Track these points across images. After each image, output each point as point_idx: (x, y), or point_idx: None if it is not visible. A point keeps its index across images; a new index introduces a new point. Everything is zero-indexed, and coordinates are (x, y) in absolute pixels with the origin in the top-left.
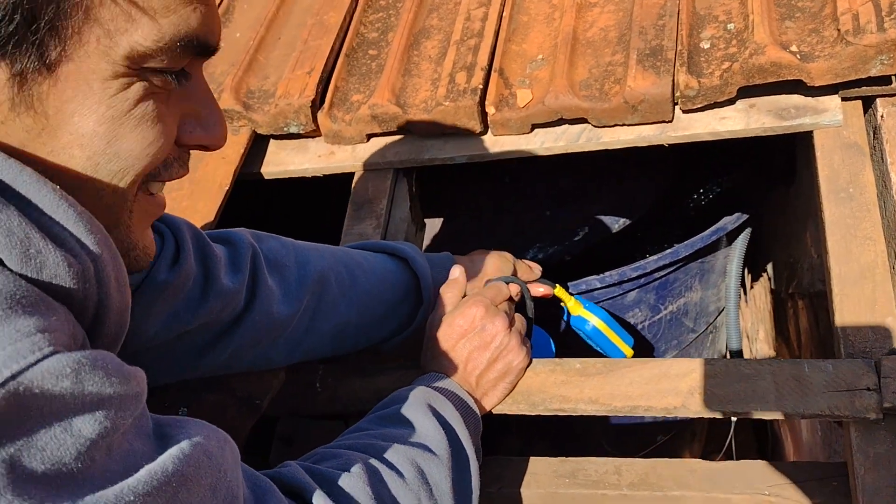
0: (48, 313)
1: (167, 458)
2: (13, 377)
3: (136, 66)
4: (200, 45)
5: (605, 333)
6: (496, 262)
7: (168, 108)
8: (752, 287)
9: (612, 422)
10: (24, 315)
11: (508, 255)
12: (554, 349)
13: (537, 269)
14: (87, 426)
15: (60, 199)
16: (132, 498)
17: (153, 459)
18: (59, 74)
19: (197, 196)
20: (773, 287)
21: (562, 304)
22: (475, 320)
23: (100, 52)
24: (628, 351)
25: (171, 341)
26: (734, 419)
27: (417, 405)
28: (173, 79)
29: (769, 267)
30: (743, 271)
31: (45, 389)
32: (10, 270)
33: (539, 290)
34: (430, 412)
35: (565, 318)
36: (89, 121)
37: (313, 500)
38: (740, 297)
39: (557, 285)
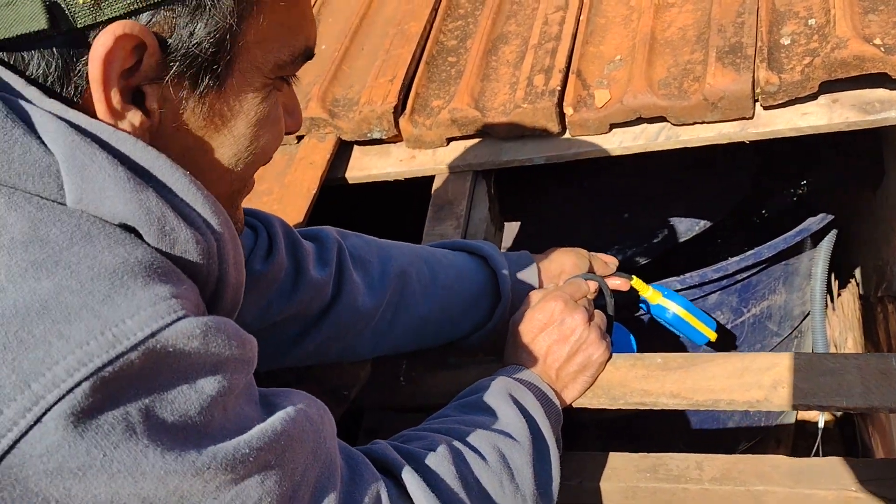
0: (179, 282)
1: (276, 419)
2: (152, 335)
3: (275, 76)
4: (311, 52)
5: (686, 320)
6: (573, 259)
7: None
8: (839, 294)
9: (693, 426)
10: (160, 282)
11: (584, 252)
12: (635, 347)
13: (613, 264)
14: (209, 384)
15: (191, 183)
16: (247, 451)
17: (262, 422)
18: (226, 88)
19: (287, 200)
20: (861, 292)
21: (640, 295)
22: (554, 314)
23: (255, 69)
24: (712, 335)
25: (263, 331)
26: (821, 425)
27: (499, 394)
28: (289, 81)
29: (857, 272)
30: (830, 277)
31: (177, 348)
32: (148, 244)
33: (615, 282)
34: (511, 401)
35: (644, 308)
36: (242, 124)
37: (402, 475)
38: (827, 305)
39: (633, 277)
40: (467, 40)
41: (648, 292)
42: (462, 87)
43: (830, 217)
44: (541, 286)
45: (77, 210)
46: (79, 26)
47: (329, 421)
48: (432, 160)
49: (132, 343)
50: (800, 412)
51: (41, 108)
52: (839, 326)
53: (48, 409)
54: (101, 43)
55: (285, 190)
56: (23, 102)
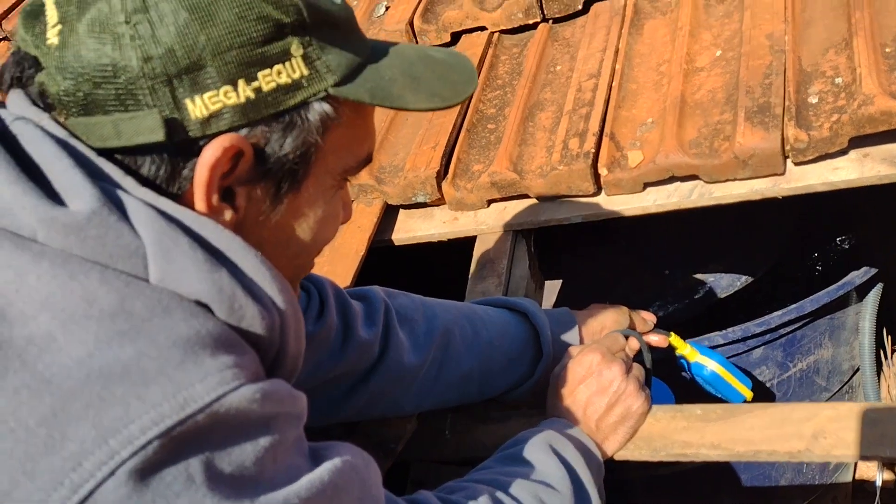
0: (243, 353)
1: (323, 470)
2: (217, 399)
3: (341, 178)
4: (371, 158)
5: (723, 377)
6: (614, 316)
7: None
8: (893, 350)
9: (744, 484)
10: (226, 353)
11: (624, 309)
12: (674, 401)
13: (651, 321)
14: (262, 438)
15: (261, 263)
16: (296, 500)
17: (310, 473)
18: (301, 189)
19: (336, 261)
20: None
21: (677, 352)
22: (593, 365)
23: (327, 173)
24: (748, 393)
25: (314, 389)
26: (879, 483)
27: (540, 445)
28: (349, 180)
29: None
30: (881, 331)
31: (237, 410)
32: (218, 318)
33: (654, 338)
34: (552, 452)
35: (685, 366)
36: (311, 219)
37: None
38: (882, 361)
39: (672, 333)
40: (505, 108)
41: (686, 349)
42: (501, 152)
43: (874, 270)
44: (581, 343)
45: (159, 286)
46: (190, 137)
47: (375, 471)
48: (474, 221)
49: (200, 406)
50: (857, 470)
51: (135, 196)
52: (895, 383)
53: (122, 464)
54: (210, 153)
55: (335, 252)
56: (119, 192)
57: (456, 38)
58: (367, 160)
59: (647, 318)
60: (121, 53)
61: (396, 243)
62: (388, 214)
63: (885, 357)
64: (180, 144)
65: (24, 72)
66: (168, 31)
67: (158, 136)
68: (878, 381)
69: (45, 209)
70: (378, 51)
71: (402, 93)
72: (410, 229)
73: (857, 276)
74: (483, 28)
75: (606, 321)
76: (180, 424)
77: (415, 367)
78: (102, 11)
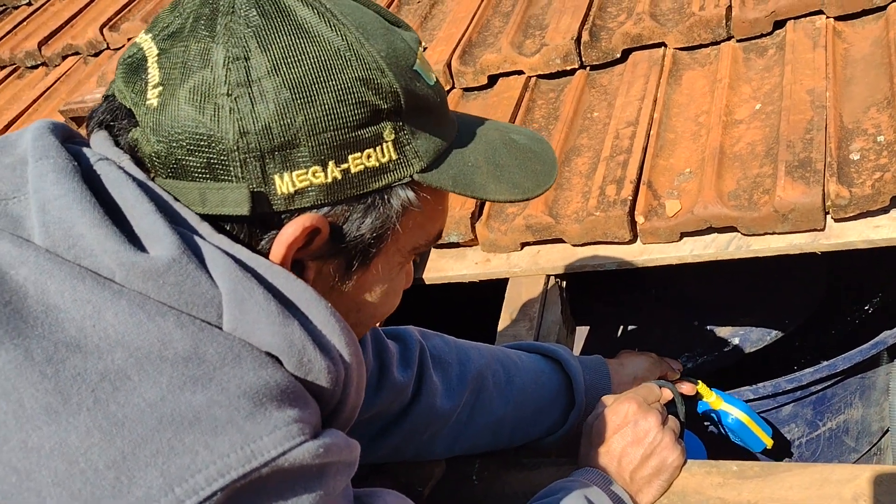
0: (306, 406)
1: None
2: (283, 454)
3: (412, 254)
4: (440, 235)
5: (747, 425)
6: (646, 364)
7: None
8: None
9: None
10: (292, 406)
11: (656, 356)
12: (706, 456)
13: (678, 368)
14: (318, 487)
15: (331, 316)
16: None
17: None
18: (371, 266)
19: None
20: None
21: (704, 399)
22: (628, 415)
23: (398, 250)
24: (769, 441)
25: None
26: None
27: (574, 496)
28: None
29: None
30: None
31: (300, 465)
32: (286, 370)
33: (683, 386)
34: (587, 503)
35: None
36: (377, 292)
37: None
38: None
39: (699, 381)
40: None
41: (712, 398)
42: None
43: None
44: (614, 391)
45: (231, 335)
46: (273, 210)
47: None
48: (506, 264)
49: (266, 460)
50: None
51: (211, 242)
52: None
53: None
54: (290, 232)
55: None
56: (196, 238)
57: (493, 80)
58: (438, 238)
59: (674, 365)
60: (218, 125)
61: (427, 282)
62: (421, 254)
63: None
64: (262, 216)
65: (116, 121)
66: (267, 108)
67: (243, 209)
68: None
69: (126, 254)
70: (464, 130)
71: (485, 182)
72: (442, 269)
73: (890, 335)
74: (520, 72)
75: (639, 369)
76: (244, 477)
77: (447, 411)
78: (206, 80)
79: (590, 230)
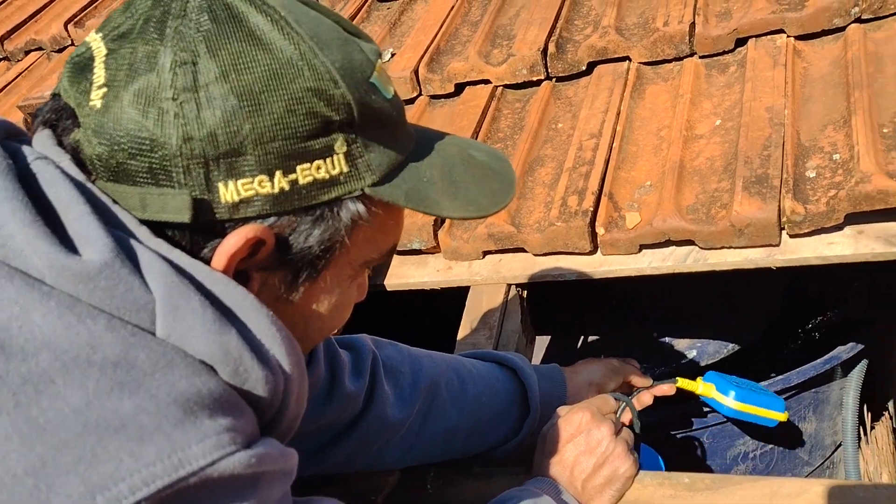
0: (241, 416)
1: None
2: (212, 463)
3: (363, 268)
4: (395, 249)
5: (744, 411)
6: (602, 370)
7: None
8: (872, 427)
9: None
10: (225, 414)
11: (614, 361)
12: (664, 468)
13: (636, 366)
14: (251, 497)
15: (271, 324)
16: None
17: None
18: (319, 279)
19: None
20: (895, 426)
21: (695, 395)
22: (581, 425)
23: (348, 263)
24: (779, 416)
25: (295, 438)
26: None
27: None
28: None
29: (890, 405)
30: (862, 408)
31: (230, 475)
32: (220, 377)
33: (662, 388)
34: None
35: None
36: (326, 305)
37: None
38: (861, 437)
39: (678, 379)
40: None
41: (699, 387)
42: None
43: (860, 347)
44: (569, 398)
45: (165, 341)
46: (216, 219)
47: None
48: (468, 272)
49: (193, 469)
50: None
51: (148, 246)
52: (873, 461)
53: None
54: (233, 242)
55: None
56: (133, 242)
57: (460, 89)
58: (391, 252)
59: (635, 364)
60: (161, 129)
61: (388, 289)
62: None
63: (865, 434)
64: (204, 224)
65: (60, 120)
66: (214, 115)
67: (184, 217)
68: (859, 458)
69: (57, 256)
70: (422, 144)
71: (440, 198)
72: (403, 275)
73: (844, 351)
74: (487, 81)
75: (594, 376)
76: (170, 486)
77: (398, 421)
78: (151, 84)
79: (551, 240)
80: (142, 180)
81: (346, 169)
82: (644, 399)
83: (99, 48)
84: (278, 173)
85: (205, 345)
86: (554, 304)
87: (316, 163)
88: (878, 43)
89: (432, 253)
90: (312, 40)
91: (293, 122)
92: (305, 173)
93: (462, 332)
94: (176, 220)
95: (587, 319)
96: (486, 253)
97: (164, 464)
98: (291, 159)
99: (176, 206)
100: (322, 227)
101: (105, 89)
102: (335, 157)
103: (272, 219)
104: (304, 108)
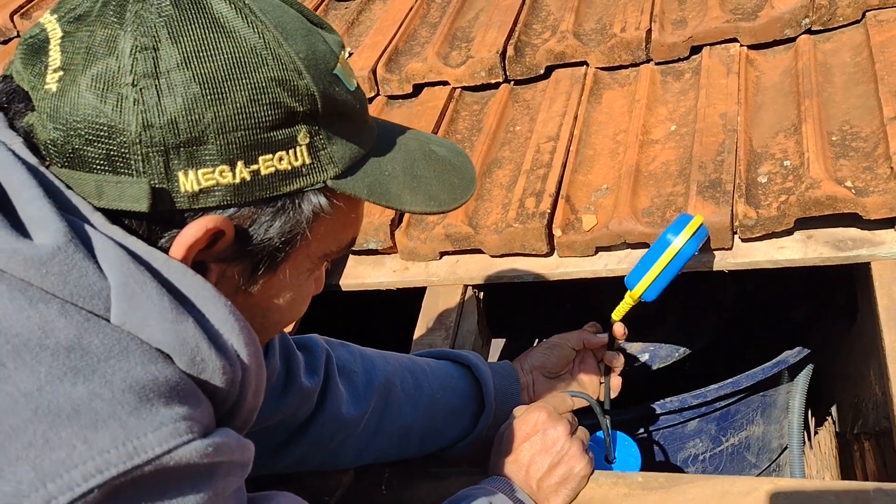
0: (197, 405)
1: None
2: (168, 452)
3: (322, 261)
4: (354, 242)
5: (662, 269)
6: (539, 352)
7: None
8: (816, 432)
9: None
10: (181, 403)
11: (554, 338)
12: (639, 455)
13: (593, 330)
14: (206, 487)
15: (230, 314)
16: None
17: None
18: (278, 270)
19: None
20: (837, 430)
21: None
22: (537, 424)
23: (307, 256)
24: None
25: (250, 434)
26: None
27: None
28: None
29: (833, 410)
30: (807, 414)
31: (186, 464)
32: (177, 366)
33: (616, 330)
34: None
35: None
36: (284, 297)
37: None
38: (805, 443)
39: (612, 318)
40: None
41: (629, 300)
42: None
43: (807, 351)
44: (522, 380)
45: (120, 328)
46: (175, 209)
47: None
48: (425, 272)
49: (149, 457)
50: None
51: (103, 233)
52: (816, 465)
53: None
54: (192, 232)
55: None
56: (87, 227)
57: (418, 89)
58: (350, 245)
59: (590, 330)
60: (120, 116)
61: (344, 289)
62: (337, 259)
63: (809, 438)
64: (163, 214)
65: (12, 104)
66: (174, 102)
67: (142, 206)
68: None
69: (8, 240)
70: (383, 139)
71: (401, 192)
72: (359, 276)
73: (791, 355)
74: (446, 83)
75: (534, 361)
76: (125, 475)
77: (353, 419)
78: (110, 68)
79: (508, 241)
80: (98, 167)
81: (308, 161)
82: (614, 383)
83: (54, 30)
84: (240, 163)
85: (161, 332)
86: (511, 307)
87: (278, 154)
88: (828, 54)
89: (389, 253)
90: (277, 29)
91: (256, 111)
92: (268, 164)
93: (418, 333)
94: (133, 209)
95: (543, 322)
96: (443, 254)
97: (118, 451)
98: (254, 150)
99: (134, 195)
100: (283, 219)
101: (61, 73)
102: (298, 148)
103: (232, 210)
104: (268, 97)
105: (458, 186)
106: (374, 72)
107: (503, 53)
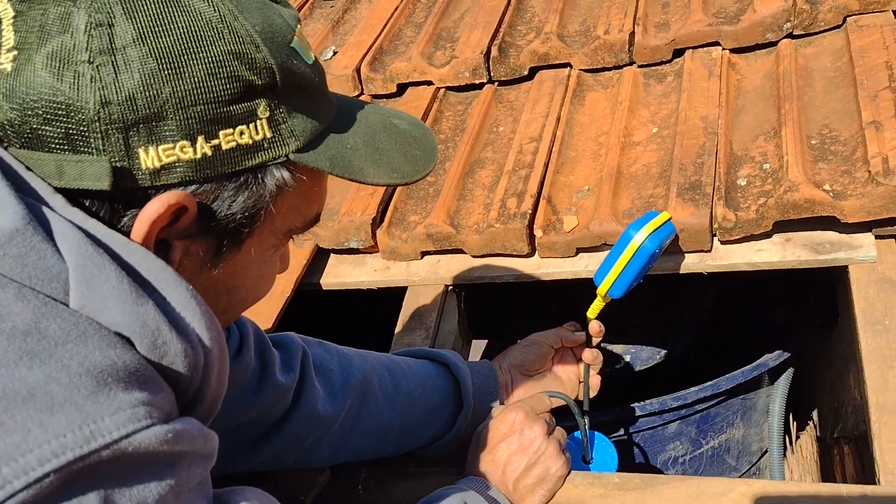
0: (158, 391)
1: None
2: (126, 436)
3: (286, 237)
4: (319, 218)
5: (626, 264)
6: (517, 350)
7: None
8: (797, 437)
9: None
10: (141, 389)
11: (532, 336)
12: (616, 457)
13: (571, 329)
14: (168, 476)
15: (191, 298)
16: None
17: None
18: (243, 247)
19: (260, 301)
20: (818, 434)
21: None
22: (515, 424)
23: (272, 232)
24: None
25: (225, 432)
26: None
27: (452, 501)
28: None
29: (814, 414)
30: (788, 417)
31: (145, 450)
32: (138, 352)
33: (593, 327)
34: None
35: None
36: (250, 275)
37: None
38: (786, 447)
39: (588, 315)
40: (446, 163)
41: (601, 299)
42: (439, 205)
43: (787, 355)
44: (501, 381)
45: (78, 312)
46: (137, 186)
47: None
48: (406, 272)
49: (106, 441)
50: None
51: (62, 215)
52: (797, 469)
53: (12, 495)
54: (154, 209)
55: None
56: (45, 210)
57: (402, 89)
58: (315, 220)
59: (569, 328)
60: (78, 93)
61: (325, 288)
62: (319, 258)
63: (790, 442)
64: (124, 192)
65: None
66: (132, 78)
67: (104, 184)
68: (784, 465)
69: None
70: (343, 113)
71: (363, 164)
72: (340, 275)
73: (771, 358)
74: (430, 83)
75: (513, 360)
76: (82, 459)
77: (329, 417)
78: (65, 46)
79: (489, 242)
80: (57, 147)
81: (269, 134)
82: (593, 382)
83: (5, 9)
84: (200, 138)
85: (120, 315)
86: (492, 308)
87: (239, 128)
88: (808, 58)
89: (370, 252)
90: (232, 2)
91: (215, 85)
92: (228, 138)
93: (398, 333)
94: (95, 188)
95: (525, 324)
96: (424, 253)
97: (74, 435)
98: (214, 124)
99: (95, 174)
100: (246, 194)
101: (15, 52)
102: (258, 122)
103: (194, 185)
104: (226, 71)
105: (420, 158)
106: (358, 71)
107: (487, 54)
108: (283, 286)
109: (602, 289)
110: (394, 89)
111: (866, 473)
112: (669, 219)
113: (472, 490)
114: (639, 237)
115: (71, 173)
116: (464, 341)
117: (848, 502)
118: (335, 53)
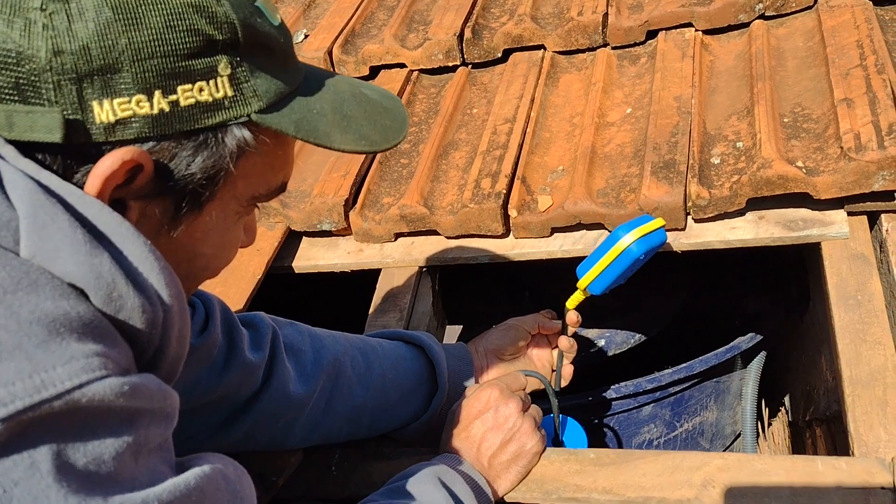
0: (114, 345)
1: (189, 475)
2: (79, 387)
3: (249, 204)
4: (285, 187)
5: (613, 261)
6: (494, 335)
7: None
8: (770, 423)
9: None
10: (95, 341)
11: (510, 321)
12: (587, 441)
13: (549, 316)
14: (125, 433)
15: (149, 252)
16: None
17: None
18: (203, 212)
19: (231, 283)
20: (790, 419)
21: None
22: (489, 401)
23: (234, 198)
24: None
25: (192, 411)
26: None
27: (428, 479)
28: (257, 206)
29: (786, 400)
30: (760, 403)
31: (100, 402)
32: (92, 304)
33: (570, 317)
34: (441, 485)
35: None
36: (212, 242)
37: None
38: (759, 433)
39: (566, 306)
40: (420, 144)
41: (580, 294)
42: (413, 186)
43: (759, 337)
44: (477, 365)
45: (29, 261)
46: (91, 141)
47: (249, 485)
48: (379, 254)
49: (58, 391)
50: None
51: (14, 165)
52: (770, 454)
53: None
54: (108, 164)
55: (230, 273)
56: None
57: (375, 72)
58: (281, 189)
59: (547, 316)
60: (28, 41)
61: (297, 271)
62: (291, 240)
63: (763, 429)
64: (78, 147)
65: None
66: (86, 27)
67: (55, 136)
68: (757, 449)
69: None
70: (311, 81)
71: (330, 130)
72: (313, 257)
73: (744, 341)
74: (403, 65)
75: (490, 344)
76: (32, 409)
77: (301, 398)
78: None
79: (464, 222)
80: (7, 97)
81: (230, 93)
82: (565, 372)
83: None
84: (157, 93)
85: (74, 265)
86: (467, 292)
87: (198, 84)
88: (780, 38)
89: (343, 235)
90: None
91: (172, 37)
92: (187, 95)
93: (372, 315)
94: (46, 140)
95: (500, 308)
96: (398, 235)
97: (24, 384)
98: (171, 79)
99: (46, 125)
100: (205, 154)
101: None
102: (219, 79)
103: (151, 143)
104: (185, 23)
105: (389, 128)
106: (329, 53)
107: (461, 36)
108: (254, 268)
109: (583, 283)
110: (366, 72)
111: (839, 453)
112: (663, 226)
113: (445, 465)
114: (626, 239)
115: (21, 125)
116: (438, 323)
117: (822, 474)
118: (307, 37)
